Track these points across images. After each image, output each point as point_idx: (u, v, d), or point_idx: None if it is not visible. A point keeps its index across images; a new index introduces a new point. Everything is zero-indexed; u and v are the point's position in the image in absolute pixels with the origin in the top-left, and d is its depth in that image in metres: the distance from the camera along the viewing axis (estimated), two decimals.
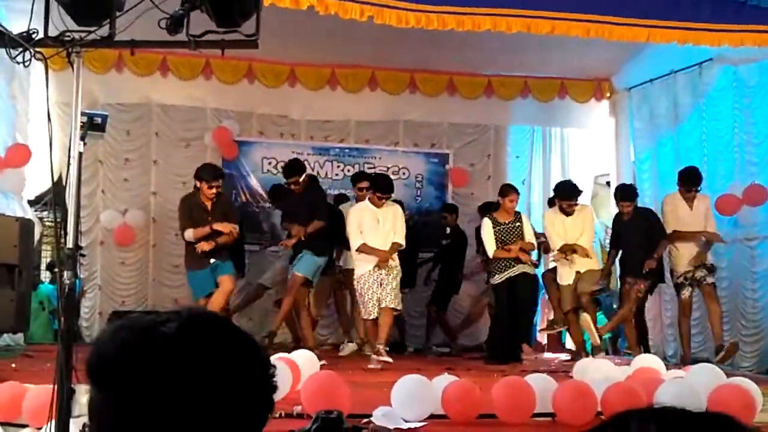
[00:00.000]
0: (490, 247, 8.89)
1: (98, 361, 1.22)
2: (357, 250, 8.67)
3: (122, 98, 10.82)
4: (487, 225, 8.91)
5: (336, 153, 11.59)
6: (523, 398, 5.37)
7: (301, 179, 9.10)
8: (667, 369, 7.06)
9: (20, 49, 4.00)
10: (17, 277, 6.93)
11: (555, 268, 9.35)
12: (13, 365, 7.48)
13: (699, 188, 8.83)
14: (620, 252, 9.22)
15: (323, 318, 10.65)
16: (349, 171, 11.47)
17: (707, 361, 7.97)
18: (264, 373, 1.27)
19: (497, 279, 8.88)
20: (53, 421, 3.71)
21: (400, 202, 10.37)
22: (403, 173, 11.60)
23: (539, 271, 9.88)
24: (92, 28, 4.03)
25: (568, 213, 8.95)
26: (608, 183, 11.58)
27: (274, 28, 4.72)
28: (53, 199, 4.44)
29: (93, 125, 4.14)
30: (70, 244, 3.91)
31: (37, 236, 9.18)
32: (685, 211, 8.82)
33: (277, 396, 1.31)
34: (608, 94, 11.61)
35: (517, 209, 9.25)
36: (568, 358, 9.70)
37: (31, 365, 7.53)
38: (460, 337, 10.97)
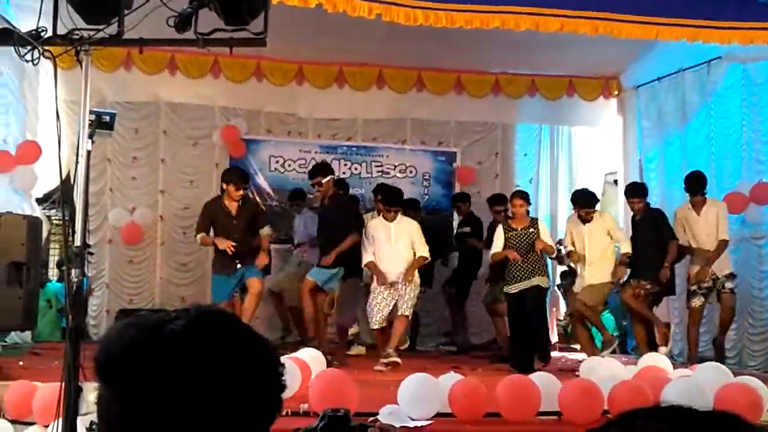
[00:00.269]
0: (494, 249, 8.81)
1: (106, 359, 1.22)
2: (364, 266, 8.72)
3: (130, 96, 10.85)
4: (498, 230, 8.81)
5: (343, 151, 11.59)
6: (527, 397, 5.36)
7: (324, 181, 8.74)
8: (674, 368, 7.04)
9: (29, 48, 4.01)
10: (25, 275, 6.94)
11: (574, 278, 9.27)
12: (21, 363, 7.51)
13: (703, 192, 8.69)
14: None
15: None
16: (356, 169, 11.48)
17: (713, 360, 7.97)
18: (273, 371, 1.27)
19: (512, 288, 8.78)
20: (60, 419, 3.72)
21: (415, 201, 10.35)
22: (411, 171, 11.59)
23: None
24: (101, 27, 4.04)
25: (585, 220, 8.86)
26: (615, 181, 11.56)
27: (282, 26, 4.71)
28: (61, 197, 4.45)
29: (101, 123, 4.15)
30: (78, 242, 3.92)
31: (44, 234, 9.21)
32: (694, 220, 8.69)
33: (286, 394, 1.31)
34: (616, 93, 11.59)
35: (534, 216, 9.19)
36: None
37: (38, 363, 7.56)
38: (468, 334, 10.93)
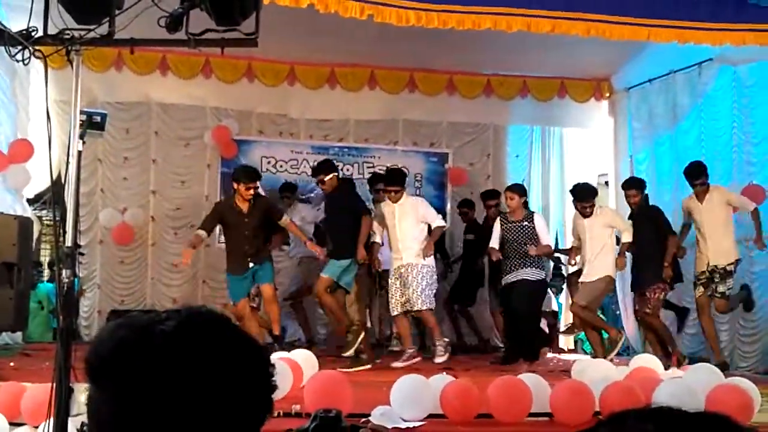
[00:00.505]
0: (492, 243, 8.86)
1: (96, 359, 1.21)
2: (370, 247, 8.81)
3: (121, 97, 10.83)
4: (496, 223, 8.88)
5: (335, 152, 11.58)
6: (519, 398, 5.36)
7: (326, 178, 8.69)
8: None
9: (19, 48, 4.00)
10: (16, 275, 6.92)
11: (579, 271, 9.25)
12: (12, 364, 7.49)
13: (702, 182, 8.60)
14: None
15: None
16: (348, 170, 11.48)
17: (706, 360, 7.98)
18: (263, 372, 1.27)
19: (502, 282, 8.82)
20: (51, 420, 3.71)
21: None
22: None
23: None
24: (92, 27, 4.03)
25: (584, 215, 8.88)
26: (606, 183, 11.59)
27: (273, 26, 4.71)
28: (52, 197, 4.43)
29: (92, 124, 4.13)
30: (69, 243, 3.91)
31: (35, 235, 9.19)
32: (698, 210, 8.65)
33: (278, 395, 1.31)
34: (607, 94, 11.62)
35: (531, 209, 9.23)
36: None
37: (29, 364, 7.54)
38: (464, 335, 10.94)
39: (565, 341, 11.33)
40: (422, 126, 11.85)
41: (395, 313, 8.63)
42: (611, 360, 7.97)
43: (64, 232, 3.93)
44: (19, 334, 9.11)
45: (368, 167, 11.50)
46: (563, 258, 10.51)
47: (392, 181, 8.73)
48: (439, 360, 8.28)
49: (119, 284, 10.97)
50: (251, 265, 8.49)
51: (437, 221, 8.63)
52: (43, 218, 11.16)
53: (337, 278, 8.51)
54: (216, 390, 1.19)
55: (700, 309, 8.63)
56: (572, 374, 6.81)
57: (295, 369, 5.98)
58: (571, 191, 9.22)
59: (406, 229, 8.52)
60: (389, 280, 8.68)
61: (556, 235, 11.63)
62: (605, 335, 8.93)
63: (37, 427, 4.48)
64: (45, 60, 3.98)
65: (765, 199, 8.77)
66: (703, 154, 9.73)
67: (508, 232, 8.70)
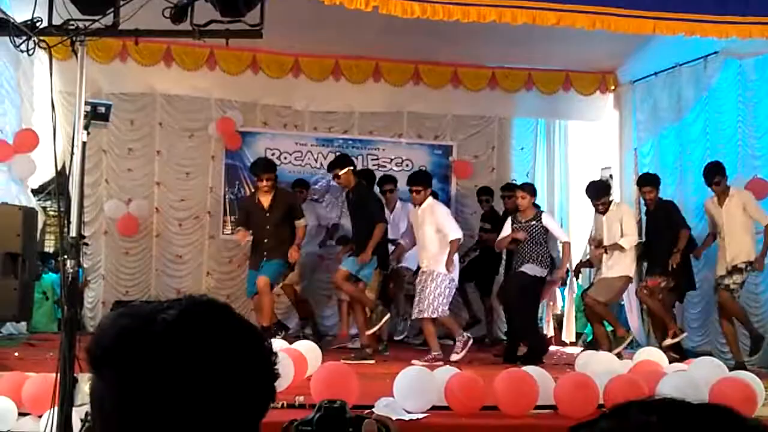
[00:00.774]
0: (499, 240, 8.84)
1: (98, 348, 1.22)
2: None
3: (126, 88, 10.81)
4: (507, 222, 8.88)
5: (339, 144, 11.57)
6: (525, 390, 5.37)
7: (341, 173, 8.65)
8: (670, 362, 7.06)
9: (24, 38, 4.00)
10: (20, 265, 6.93)
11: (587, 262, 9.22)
12: (16, 354, 7.51)
13: (718, 182, 8.51)
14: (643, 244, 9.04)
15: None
16: None
17: (710, 354, 7.98)
18: (266, 360, 1.27)
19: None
20: (55, 409, 3.72)
21: (434, 194, 10.35)
22: (407, 165, 11.57)
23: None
24: (96, 17, 4.03)
25: (598, 212, 8.82)
26: (611, 176, 11.56)
27: (278, 18, 4.70)
28: (57, 188, 4.44)
29: (97, 115, 4.14)
30: (73, 234, 3.92)
31: (40, 225, 9.20)
32: (717, 212, 8.58)
33: (281, 386, 1.31)
34: (613, 87, 11.58)
35: (541, 209, 9.21)
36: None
37: (33, 354, 7.56)
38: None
39: (567, 334, 11.30)
40: (427, 118, 11.82)
41: (414, 317, 8.67)
42: (617, 354, 7.94)
43: (69, 223, 3.95)
44: (23, 324, 9.14)
45: (372, 159, 11.48)
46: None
47: (414, 180, 8.72)
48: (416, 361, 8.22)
49: (124, 275, 10.98)
50: (265, 259, 8.54)
51: (453, 234, 8.44)
52: (48, 209, 11.19)
53: (355, 271, 8.56)
54: (218, 378, 1.19)
55: (721, 310, 8.55)
56: (576, 367, 6.81)
57: (299, 360, 5.99)
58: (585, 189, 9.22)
59: (426, 233, 8.50)
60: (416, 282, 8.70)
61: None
62: (608, 327, 8.92)
63: (41, 417, 4.50)
64: (50, 50, 3.99)
65: None
66: (708, 148, 9.72)
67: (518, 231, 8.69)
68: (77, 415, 3.79)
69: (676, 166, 10.07)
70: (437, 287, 8.34)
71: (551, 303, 10.75)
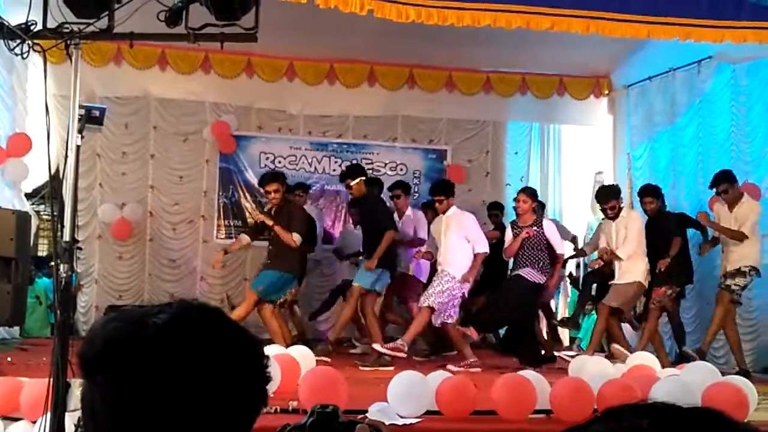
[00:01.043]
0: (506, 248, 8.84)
1: (89, 353, 1.21)
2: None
3: (120, 91, 10.81)
4: (507, 229, 8.86)
5: (334, 148, 11.58)
6: (523, 395, 5.37)
7: (353, 183, 8.62)
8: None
9: (18, 41, 4.00)
10: (14, 270, 6.91)
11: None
12: (9, 359, 7.48)
13: (722, 188, 8.47)
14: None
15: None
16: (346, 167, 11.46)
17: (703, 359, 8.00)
18: (257, 364, 1.27)
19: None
20: (48, 414, 3.71)
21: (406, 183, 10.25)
22: (401, 169, 11.59)
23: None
24: (91, 21, 4.02)
25: (607, 217, 8.79)
26: (604, 181, 11.58)
27: (273, 22, 4.70)
28: (51, 192, 4.43)
29: (91, 118, 4.13)
30: (67, 238, 3.91)
31: (33, 229, 9.18)
32: (725, 217, 8.54)
33: (272, 390, 1.31)
34: (606, 92, 11.62)
35: (542, 216, 9.15)
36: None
37: (27, 359, 7.53)
38: None
39: (562, 337, 11.30)
40: (421, 122, 11.83)
41: (419, 304, 8.52)
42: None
43: (62, 227, 3.94)
44: (16, 329, 9.12)
45: (367, 163, 11.48)
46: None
47: (436, 190, 8.71)
48: (381, 348, 8.06)
49: (117, 279, 10.96)
50: (268, 263, 8.60)
51: (480, 247, 8.41)
52: (42, 213, 11.17)
53: (369, 287, 8.55)
54: (209, 382, 1.19)
55: (724, 314, 8.46)
56: (569, 371, 6.81)
57: (291, 365, 5.98)
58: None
59: (450, 241, 8.43)
60: None
61: None
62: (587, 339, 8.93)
63: (34, 422, 4.48)
64: (44, 54, 3.98)
65: (760, 198, 8.77)
66: (700, 152, 9.76)
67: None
68: (71, 420, 3.78)
69: (669, 170, 10.09)
70: (442, 284, 8.27)
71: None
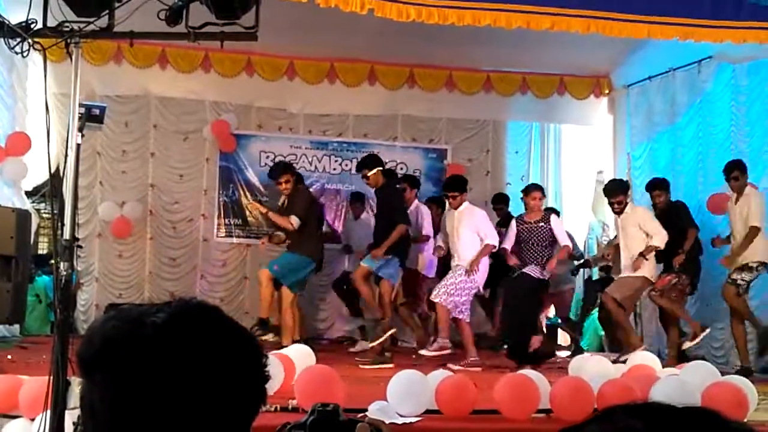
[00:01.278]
0: (505, 243, 8.83)
1: (88, 353, 1.21)
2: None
3: (120, 90, 10.81)
4: (512, 224, 8.88)
5: (334, 147, 11.58)
6: (527, 394, 5.36)
7: (370, 174, 8.59)
8: (663, 366, 7.06)
9: (18, 40, 4.00)
10: (14, 268, 6.91)
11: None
12: (9, 357, 7.49)
13: (733, 175, 8.38)
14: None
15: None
16: (347, 165, 11.48)
17: (702, 358, 7.99)
18: (256, 362, 1.27)
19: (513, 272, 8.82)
20: (48, 412, 3.71)
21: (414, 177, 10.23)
22: (401, 168, 11.58)
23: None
24: (91, 19, 4.02)
25: (614, 211, 8.77)
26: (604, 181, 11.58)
27: (273, 20, 4.70)
28: (51, 190, 4.43)
29: (91, 117, 4.13)
30: (67, 236, 3.91)
31: (33, 228, 9.18)
32: (732, 209, 8.51)
33: (271, 389, 1.31)
34: (607, 91, 11.63)
35: (550, 211, 9.16)
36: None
37: (26, 357, 7.54)
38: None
39: (563, 338, 11.31)
40: (421, 122, 11.84)
41: (431, 298, 8.57)
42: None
43: (63, 225, 3.94)
44: (16, 327, 9.12)
45: None
46: None
47: (450, 186, 8.71)
48: (424, 352, 8.19)
49: (117, 278, 10.97)
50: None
51: (490, 239, 8.45)
52: (42, 211, 11.17)
53: (375, 268, 8.52)
54: (208, 380, 1.19)
55: (732, 311, 8.40)
56: (569, 371, 6.81)
57: (288, 364, 5.98)
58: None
59: (462, 235, 8.46)
60: None
61: None
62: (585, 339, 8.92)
63: (33, 420, 4.48)
64: (44, 52, 3.98)
65: None
66: (700, 152, 9.77)
67: (524, 232, 8.62)
68: (70, 419, 3.78)
69: (669, 170, 10.09)
70: (455, 278, 8.32)
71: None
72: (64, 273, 3.84)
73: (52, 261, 4.10)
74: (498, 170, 12.05)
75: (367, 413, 4.96)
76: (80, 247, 10.47)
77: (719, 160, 9.34)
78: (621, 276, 8.67)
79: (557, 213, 10.45)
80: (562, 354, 9.16)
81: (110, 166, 10.93)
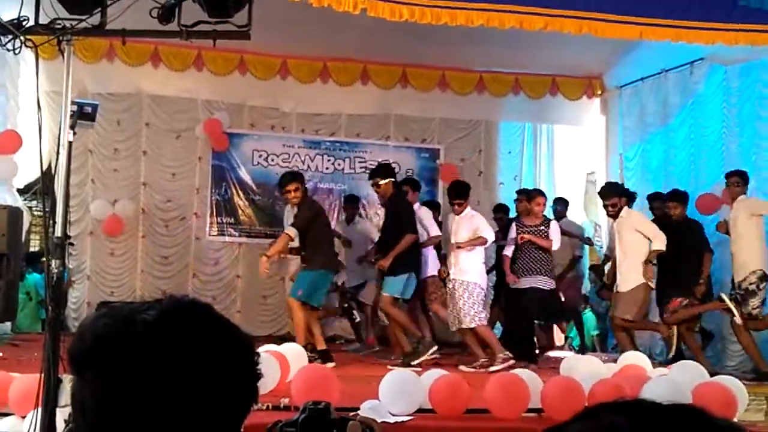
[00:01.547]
0: (506, 251, 8.86)
1: (79, 350, 1.21)
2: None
3: (112, 88, 10.79)
4: (512, 228, 8.89)
5: (327, 147, 11.58)
6: (517, 394, 5.38)
7: (382, 183, 8.48)
8: (654, 367, 7.09)
9: (10, 37, 3.99)
10: (5, 265, 6.90)
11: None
12: (0, 354, 7.47)
13: (733, 180, 8.25)
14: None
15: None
16: (339, 165, 11.48)
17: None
18: (247, 360, 1.27)
19: (511, 285, 8.79)
20: (39, 410, 3.71)
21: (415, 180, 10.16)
22: (394, 168, 11.55)
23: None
24: (83, 17, 4.02)
25: (608, 214, 8.72)
26: (596, 182, 11.59)
27: (266, 19, 4.70)
28: (42, 188, 4.42)
29: (83, 114, 4.13)
30: (58, 234, 3.91)
31: (25, 225, 9.16)
32: (730, 217, 8.33)
33: (265, 388, 1.31)
34: (599, 92, 11.65)
35: (544, 214, 9.14)
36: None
37: (18, 354, 7.51)
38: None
39: (558, 338, 11.32)
40: (414, 121, 11.84)
41: (453, 328, 8.55)
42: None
43: (54, 223, 3.93)
44: (7, 324, 9.09)
45: (360, 162, 11.50)
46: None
47: (458, 195, 8.63)
48: (499, 366, 7.90)
49: (109, 276, 10.94)
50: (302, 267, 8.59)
51: (487, 234, 8.40)
52: (34, 208, 11.13)
53: (401, 294, 8.40)
54: (199, 378, 1.19)
55: (735, 325, 8.08)
56: (561, 371, 6.83)
57: (282, 363, 5.98)
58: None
59: (461, 240, 8.41)
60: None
61: None
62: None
63: (24, 417, 4.48)
64: (36, 50, 3.97)
65: None
66: (692, 153, 9.80)
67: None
68: (61, 416, 3.78)
69: (661, 171, 10.12)
70: (470, 296, 8.24)
71: None
72: (56, 270, 3.83)
73: (44, 258, 4.10)
74: (490, 170, 12.07)
75: (359, 412, 4.97)
76: (72, 244, 10.36)
77: (711, 161, 9.38)
78: (620, 291, 8.39)
79: (566, 204, 10.84)
80: (562, 354, 9.17)
81: (102, 164, 10.90)
